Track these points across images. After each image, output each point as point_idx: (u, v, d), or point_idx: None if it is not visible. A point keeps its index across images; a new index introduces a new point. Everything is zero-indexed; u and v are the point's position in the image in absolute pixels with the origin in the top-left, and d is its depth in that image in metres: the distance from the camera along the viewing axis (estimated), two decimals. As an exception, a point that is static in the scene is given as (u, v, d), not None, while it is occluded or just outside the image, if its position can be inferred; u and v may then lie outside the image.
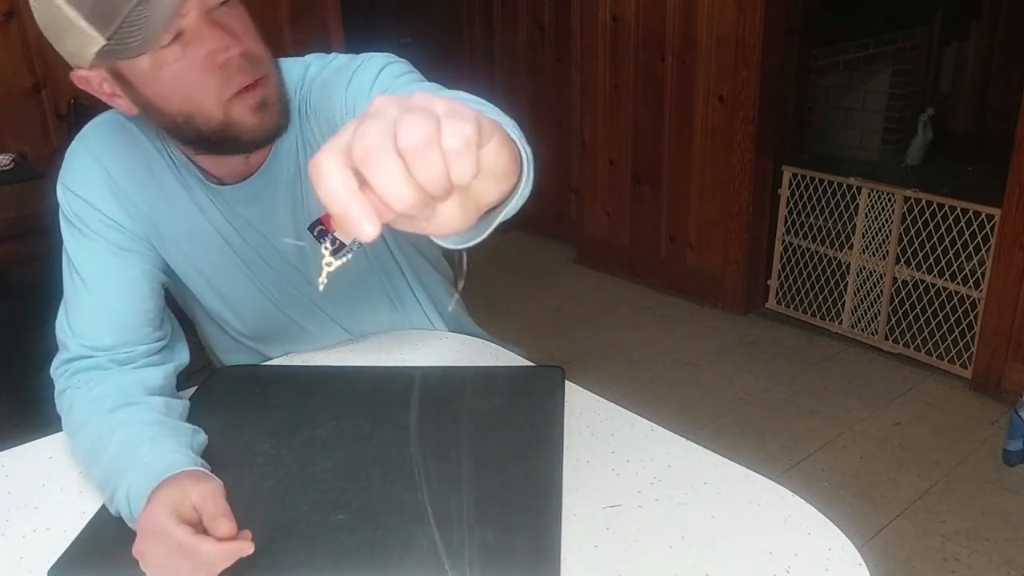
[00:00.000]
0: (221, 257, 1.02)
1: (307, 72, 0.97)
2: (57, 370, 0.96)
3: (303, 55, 0.99)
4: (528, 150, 0.63)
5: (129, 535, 0.77)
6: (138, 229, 0.97)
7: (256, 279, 1.04)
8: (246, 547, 0.71)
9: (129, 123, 0.97)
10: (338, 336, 1.14)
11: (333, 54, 1.00)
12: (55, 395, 0.95)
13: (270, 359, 1.13)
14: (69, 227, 0.96)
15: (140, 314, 0.96)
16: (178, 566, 0.71)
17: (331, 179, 0.45)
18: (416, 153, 0.44)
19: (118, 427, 0.85)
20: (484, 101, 0.73)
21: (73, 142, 0.98)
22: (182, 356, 1.01)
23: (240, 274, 1.04)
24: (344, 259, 0.54)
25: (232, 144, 0.89)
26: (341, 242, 1.08)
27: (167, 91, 0.83)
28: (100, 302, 0.95)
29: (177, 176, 0.98)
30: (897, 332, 2.70)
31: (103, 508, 0.82)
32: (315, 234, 1.01)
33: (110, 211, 0.96)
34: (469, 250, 0.64)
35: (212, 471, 0.81)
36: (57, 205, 0.97)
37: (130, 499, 0.78)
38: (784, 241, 2.95)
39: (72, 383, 0.93)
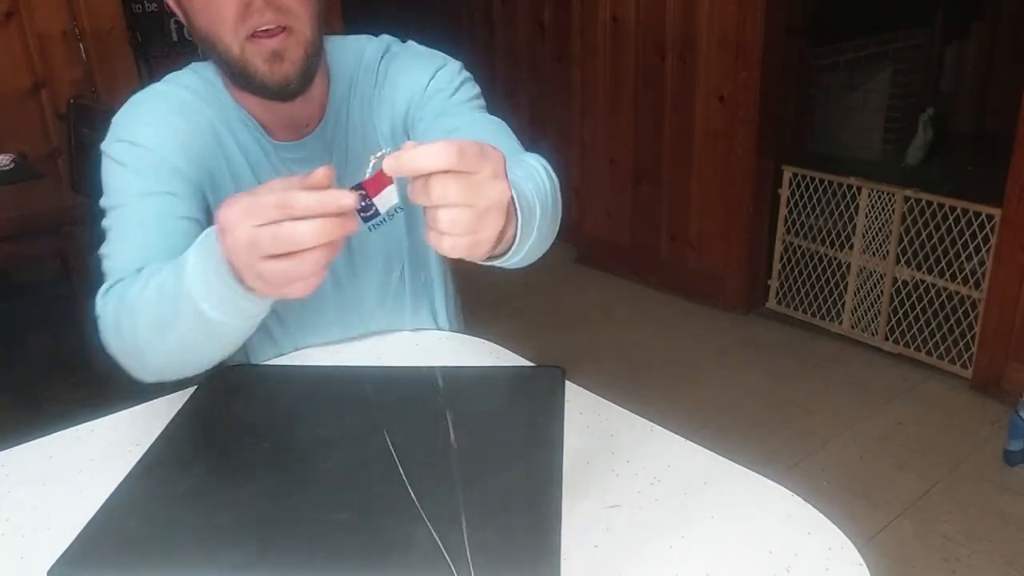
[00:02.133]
0: None
1: (365, 53, 1.05)
2: (99, 300, 0.91)
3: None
4: (534, 227, 0.76)
5: (130, 535, 0.77)
6: (195, 177, 0.98)
7: None
8: (345, 195, 0.63)
9: (187, 89, 1.01)
10: (340, 329, 1.14)
11: (386, 37, 1.08)
12: (99, 322, 0.90)
13: (271, 342, 1.14)
14: (121, 170, 0.96)
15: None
16: (271, 234, 0.62)
17: (427, 160, 0.59)
18: (447, 222, 0.60)
19: (157, 271, 0.81)
20: (544, 164, 0.87)
21: (125, 106, 1.01)
22: None
23: None
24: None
25: (248, 83, 0.94)
26: (376, 210, 1.13)
27: (197, 8, 0.91)
28: (150, 235, 0.93)
29: (232, 135, 1.01)
30: (897, 332, 2.70)
31: (103, 508, 0.81)
32: None
33: (169, 155, 0.96)
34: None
35: (211, 473, 0.81)
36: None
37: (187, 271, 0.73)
38: (784, 241, 2.95)
39: (112, 291, 0.89)
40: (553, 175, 0.87)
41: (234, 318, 0.75)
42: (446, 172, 0.59)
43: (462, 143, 0.59)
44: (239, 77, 0.94)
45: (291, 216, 0.61)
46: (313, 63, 0.96)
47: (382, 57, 1.06)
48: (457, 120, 0.99)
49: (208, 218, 0.99)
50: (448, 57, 1.06)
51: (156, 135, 0.97)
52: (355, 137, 1.05)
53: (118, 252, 0.94)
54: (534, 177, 0.82)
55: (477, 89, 1.05)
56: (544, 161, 0.88)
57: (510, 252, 0.73)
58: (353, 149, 1.05)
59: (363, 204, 1.09)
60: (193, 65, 1.04)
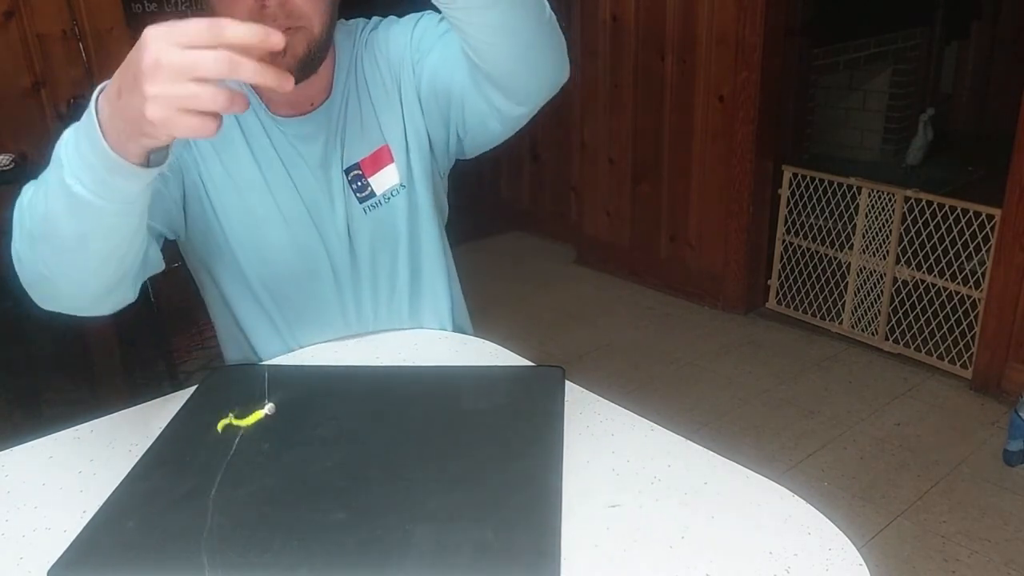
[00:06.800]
0: (259, 197, 1.06)
1: (361, 32, 1.12)
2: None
3: None
4: None
5: (130, 536, 0.76)
6: (179, 152, 1.00)
7: (288, 224, 1.08)
8: (274, 33, 0.64)
9: None
10: (344, 326, 1.15)
11: (376, 18, 1.14)
12: (13, 256, 0.88)
13: (276, 337, 1.14)
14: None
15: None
16: (213, 57, 0.63)
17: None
18: None
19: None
20: None
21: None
22: (155, 264, 0.97)
23: (277, 216, 1.07)
24: None
25: None
26: (372, 190, 1.16)
27: (217, 8, 0.94)
28: None
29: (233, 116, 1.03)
30: (897, 332, 2.70)
31: (103, 508, 0.81)
32: (349, 178, 1.10)
33: None
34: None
35: (210, 473, 0.81)
36: None
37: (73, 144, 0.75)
38: (784, 241, 2.95)
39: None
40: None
41: (104, 199, 0.73)
42: None
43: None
44: None
45: (223, 43, 0.63)
46: (316, 58, 0.99)
47: (371, 30, 1.12)
48: (445, 40, 1.05)
49: (179, 189, 1.03)
50: (422, 12, 1.10)
51: None
52: (358, 115, 1.08)
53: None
54: None
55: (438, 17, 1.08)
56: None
57: None
58: (356, 127, 1.08)
59: (360, 184, 1.09)
60: None
